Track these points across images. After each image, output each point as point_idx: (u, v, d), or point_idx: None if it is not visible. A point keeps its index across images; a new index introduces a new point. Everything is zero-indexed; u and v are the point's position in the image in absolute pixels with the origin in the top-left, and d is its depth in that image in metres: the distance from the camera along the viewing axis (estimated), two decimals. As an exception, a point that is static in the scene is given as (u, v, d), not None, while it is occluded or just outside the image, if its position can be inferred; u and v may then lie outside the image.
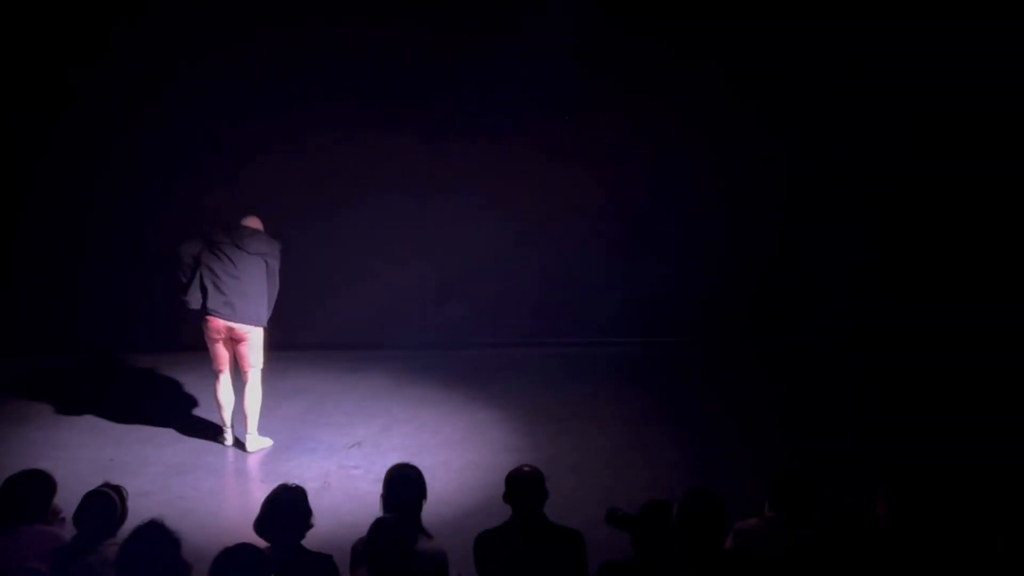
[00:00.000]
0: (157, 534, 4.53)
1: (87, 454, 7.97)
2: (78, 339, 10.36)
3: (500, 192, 10.07)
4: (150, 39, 9.79)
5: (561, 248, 10.13)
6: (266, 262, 7.95)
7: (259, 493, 5.08)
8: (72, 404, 9.02)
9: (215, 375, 8.06)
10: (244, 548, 4.47)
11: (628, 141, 10.11)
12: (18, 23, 9.82)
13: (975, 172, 9.83)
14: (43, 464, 5.71)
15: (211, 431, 8.43)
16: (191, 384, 9.52)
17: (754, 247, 10.21)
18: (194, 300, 7.85)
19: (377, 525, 4.64)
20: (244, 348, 7.96)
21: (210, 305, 7.82)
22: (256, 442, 8.08)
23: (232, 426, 8.12)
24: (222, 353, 8.00)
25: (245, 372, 8.00)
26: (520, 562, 4.86)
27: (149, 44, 9.81)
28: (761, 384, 9.37)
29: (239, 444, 8.07)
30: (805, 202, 10.11)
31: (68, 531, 5.10)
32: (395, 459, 5.97)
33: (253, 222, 8.12)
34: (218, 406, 8.10)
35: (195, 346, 10.22)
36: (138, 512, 5.06)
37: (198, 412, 8.87)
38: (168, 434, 8.40)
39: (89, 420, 8.70)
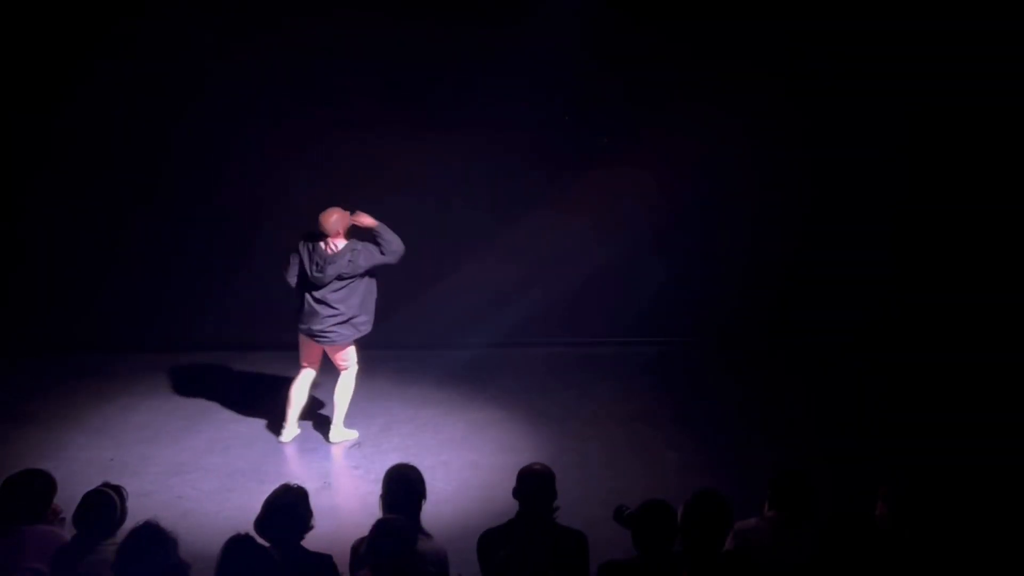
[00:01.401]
0: (152, 535, 4.53)
1: (87, 454, 7.97)
2: (79, 339, 10.36)
3: (499, 194, 10.06)
4: (151, 39, 9.80)
5: (560, 250, 10.12)
6: (351, 274, 7.80)
7: (259, 493, 5.07)
8: (72, 404, 9.03)
9: (299, 369, 8.11)
10: (252, 542, 4.50)
11: (627, 143, 10.09)
12: (20, 22, 9.81)
13: (979, 174, 9.84)
14: (43, 464, 5.72)
15: (212, 431, 8.45)
16: (192, 384, 9.53)
17: (754, 248, 10.20)
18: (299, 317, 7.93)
19: (378, 526, 4.64)
20: (334, 354, 8.04)
21: (302, 325, 7.90)
22: (340, 433, 8.16)
23: (291, 424, 8.15)
24: (309, 352, 8.04)
25: (340, 370, 8.10)
26: (523, 561, 4.86)
27: (149, 45, 9.81)
28: (761, 384, 9.37)
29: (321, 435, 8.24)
30: (806, 204, 10.10)
31: (68, 531, 5.11)
32: (395, 459, 5.98)
33: (332, 221, 7.74)
34: (287, 401, 8.13)
35: (196, 346, 10.29)
36: (138, 512, 5.06)
37: (199, 412, 8.88)
38: (168, 434, 8.41)
39: (89, 420, 8.70)
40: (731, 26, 9.70)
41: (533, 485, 5.01)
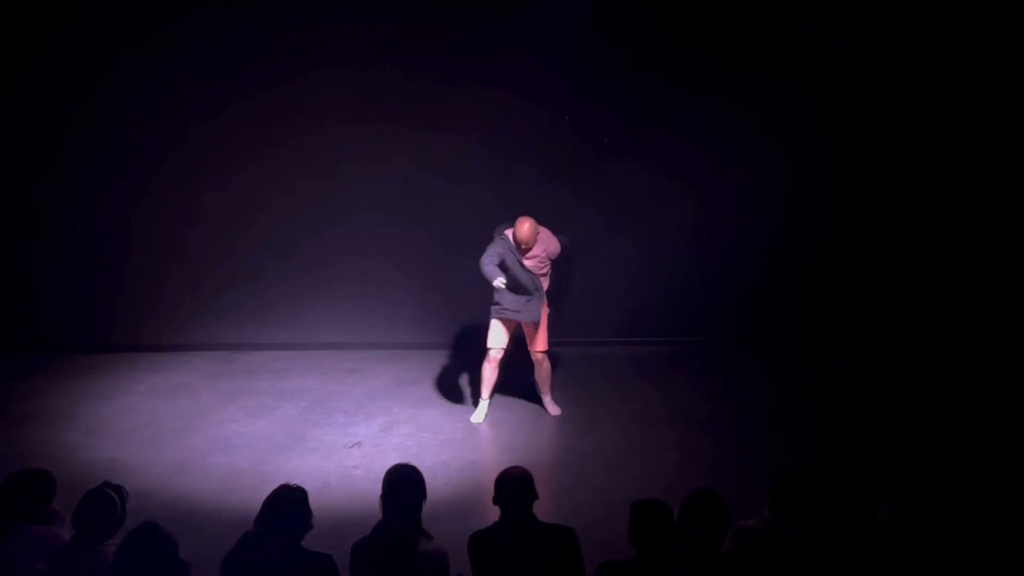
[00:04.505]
0: (152, 536, 4.52)
1: (87, 454, 7.97)
2: (78, 339, 10.37)
3: (500, 194, 10.03)
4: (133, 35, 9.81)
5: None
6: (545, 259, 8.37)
7: (259, 493, 5.06)
8: (72, 404, 9.03)
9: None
10: (263, 539, 4.50)
11: (623, 136, 10.05)
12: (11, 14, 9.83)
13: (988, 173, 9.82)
14: (43, 464, 5.71)
15: (212, 431, 8.46)
16: (192, 384, 9.54)
17: (755, 249, 10.18)
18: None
19: (378, 526, 4.64)
20: (530, 332, 8.46)
21: (506, 305, 8.34)
22: (554, 407, 8.78)
23: (486, 399, 8.62)
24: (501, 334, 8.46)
25: (533, 354, 8.54)
26: (514, 561, 4.87)
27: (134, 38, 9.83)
28: (762, 384, 9.37)
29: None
30: (810, 204, 10.07)
31: (68, 531, 5.10)
32: (395, 459, 5.98)
33: (524, 229, 8.13)
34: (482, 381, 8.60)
35: (197, 346, 10.30)
36: (139, 512, 5.07)
37: (199, 412, 8.88)
38: (168, 434, 8.41)
39: (89, 420, 8.71)
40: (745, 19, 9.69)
41: (512, 490, 5.02)
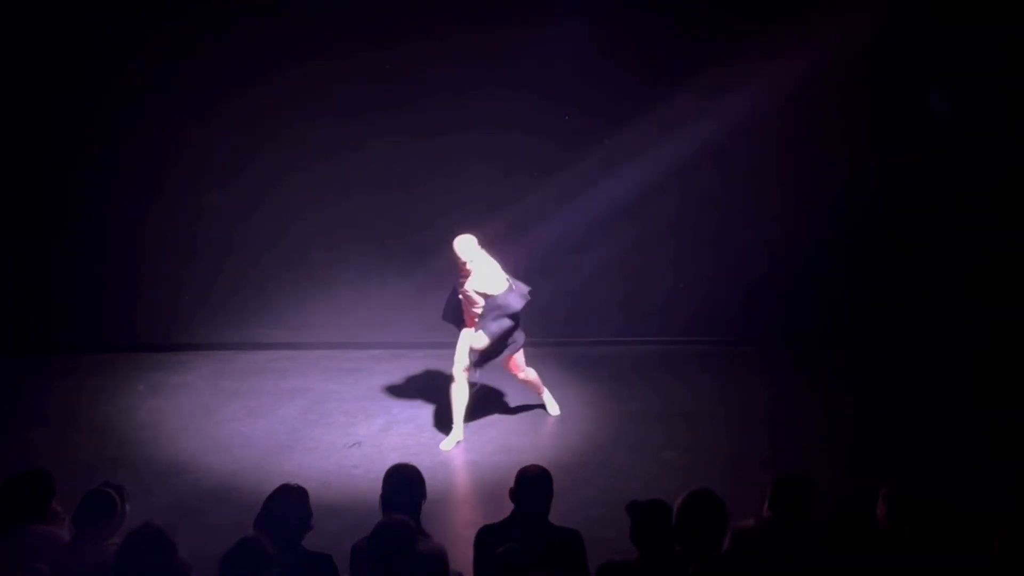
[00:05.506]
0: (152, 536, 4.52)
1: (87, 454, 7.97)
2: (79, 339, 10.36)
3: (500, 193, 10.04)
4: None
5: (559, 249, 10.11)
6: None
7: (259, 493, 5.07)
8: (72, 404, 9.03)
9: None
10: (259, 544, 4.49)
11: (623, 135, 10.04)
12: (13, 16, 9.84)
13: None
14: (43, 464, 5.71)
15: (212, 430, 8.46)
16: (192, 384, 9.55)
17: (756, 249, 10.17)
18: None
19: (378, 526, 4.64)
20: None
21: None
22: (553, 406, 8.71)
23: (457, 424, 8.14)
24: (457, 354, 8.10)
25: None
26: (521, 558, 4.87)
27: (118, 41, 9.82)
28: (761, 384, 9.36)
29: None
30: (811, 204, 10.06)
31: (68, 531, 5.11)
32: (395, 459, 5.97)
33: (462, 246, 7.84)
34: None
35: (196, 346, 10.30)
36: (139, 512, 5.07)
37: (199, 412, 8.89)
38: (168, 434, 8.42)
39: (90, 420, 8.71)
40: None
41: (530, 486, 5.02)
